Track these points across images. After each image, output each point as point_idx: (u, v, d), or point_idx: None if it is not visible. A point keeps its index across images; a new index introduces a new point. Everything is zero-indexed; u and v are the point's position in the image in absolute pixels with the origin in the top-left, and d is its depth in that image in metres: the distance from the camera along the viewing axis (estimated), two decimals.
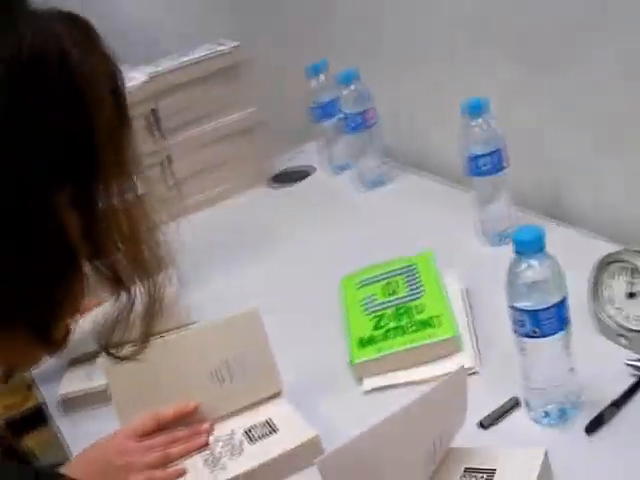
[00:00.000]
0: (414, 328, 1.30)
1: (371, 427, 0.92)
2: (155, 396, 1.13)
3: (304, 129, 2.00)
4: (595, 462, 1.06)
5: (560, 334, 1.09)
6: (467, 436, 1.11)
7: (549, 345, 1.09)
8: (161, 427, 1.12)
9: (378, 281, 1.43)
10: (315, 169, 1.99)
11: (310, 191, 1.92)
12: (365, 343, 1.30)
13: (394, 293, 1.39)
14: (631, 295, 1.21)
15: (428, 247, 1.48)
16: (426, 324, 1.30)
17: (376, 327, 1.33)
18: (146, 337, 0.65)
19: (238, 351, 1.21)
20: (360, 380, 1.28)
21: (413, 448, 0.99)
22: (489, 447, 1.08)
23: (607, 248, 1.24)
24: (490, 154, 1.47)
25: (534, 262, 1.07)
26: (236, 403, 1.22)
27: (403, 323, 1.31)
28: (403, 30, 1.81)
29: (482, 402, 1.16)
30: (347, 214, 1.76)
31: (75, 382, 1.41)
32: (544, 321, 1.07)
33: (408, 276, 1.42)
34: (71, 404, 1.39)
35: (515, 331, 1.11)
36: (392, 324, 1.32)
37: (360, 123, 1.80)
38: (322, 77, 1.86)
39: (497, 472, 1.02)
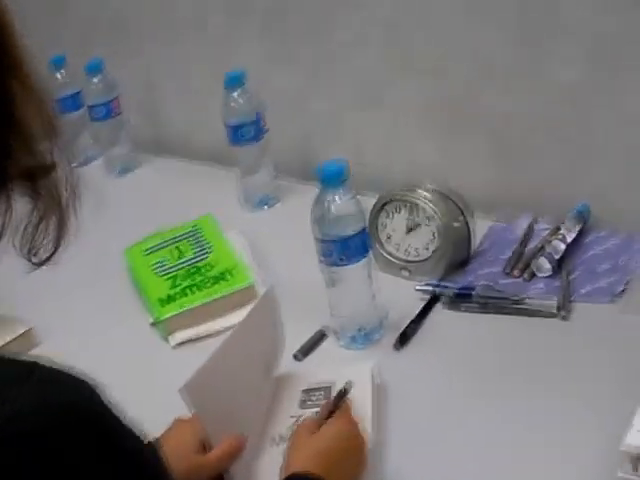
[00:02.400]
0: (209, 283, 1.30)
1: (211, 354, 0.95)
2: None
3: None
4: (408, 373, 1.13)
5: (364, 260, 1.14)
6: (287, 367, 1.14)
7: (355, 271, 1.14)
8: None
9: (164, 247, 1.41)
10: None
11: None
12: (165, 302, 1.29)
13: (181, 256, 1.38)
14: (409, 230, 1.29)
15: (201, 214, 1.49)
16: (220, 278, 1.31)
17: (172, 287, 1.31)
18: (58, 241, 0.64)
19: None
20: (167, 337, 1.27)
21: (249, 364, 1.02)
22: (319, 369, 1.11)
23: (371, 202, 1.31)
24: (250, 123, 1.51)
25: (338, 194, 1.12)
26: None
27: (197, 281, 1.32)
28: (148, 11, 1.80)
29: (292, 337, 1.18)
30: (107, 200, 1.70)
31: None
32: (350, 248, 1.12)
33: (193, 238, 1.41)
34: None
35: (323, 262, 1.15)
36: (187, 282, 1.32)
37: (107, 113, 1.76)
38: (63, 71, 1.80)
39: (333, 387, 1.05)
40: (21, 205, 0.63)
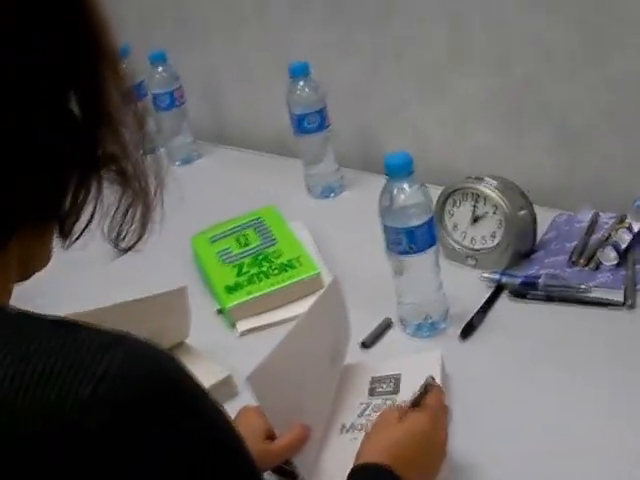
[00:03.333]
0: (277, 271, 1.30)
1: (277, 344, 0.93)
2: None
3: None
4: (473, 361, 1.12)
5: (433, 248, 1.14)
6: (354, 356, 1.13)
7: (424, 260, 1.14)
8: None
9: (229, 235, 1.41)
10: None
11: None
12: (232, 289, 1.29)
13: (247, 244, 1.38)
14: (475, 219, 1.28)
15: (266, 204, 1.49)
16: (287, 266, 1.31)
17: (239, 274, 1.31)
18: (144, 228, 0.65)
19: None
20: (233, 325, 1.27)
21: (315, 354, 1.01)
22: (389, 358, 1.11)
23: (435, 192, 1.29)
24: (315, 113, 1.51)
25: (405, 185, 1.11)
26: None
27: (265, 268, 1.31)
28: (210, 0, 1.81)
29: (358, 327, 1.18)
30: (170, 188, 1.71)
31: None
32: (418, 237, 1.12)
33: (257, 227, 1.41)
34: None
35: (391, 251, 1.14)
36: (254, 270, 1.32)
37: (170, 102, 1.77)
38: (127, 60, 1.81)
39: (402, 375, 1.05)
40: (110, 192, 0.64)
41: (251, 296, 1.27)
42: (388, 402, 1.02)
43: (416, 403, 0.91)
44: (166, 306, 1.10)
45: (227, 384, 1.11)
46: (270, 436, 0.93)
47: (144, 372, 0.52)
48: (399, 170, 1.10)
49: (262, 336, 1.23)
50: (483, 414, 1.02)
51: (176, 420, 0.52)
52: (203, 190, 1.67)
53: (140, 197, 0.64)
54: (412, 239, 1.12)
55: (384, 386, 1.05)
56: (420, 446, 0.88)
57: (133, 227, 0.64)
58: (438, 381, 1.00)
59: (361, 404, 1.03)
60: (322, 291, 1.08)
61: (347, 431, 1.00)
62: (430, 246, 1.13)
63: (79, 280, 1.35)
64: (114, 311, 1.03)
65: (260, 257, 1.34)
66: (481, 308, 1.19)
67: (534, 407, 1.02)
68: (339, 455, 0.93)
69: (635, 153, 1.33)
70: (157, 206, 0.65)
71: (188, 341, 1.18)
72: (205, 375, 1.00)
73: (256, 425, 0.94)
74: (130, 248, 0.65)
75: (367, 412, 1.02)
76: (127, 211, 0.63)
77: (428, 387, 0.92)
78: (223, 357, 1.19)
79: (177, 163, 1.80)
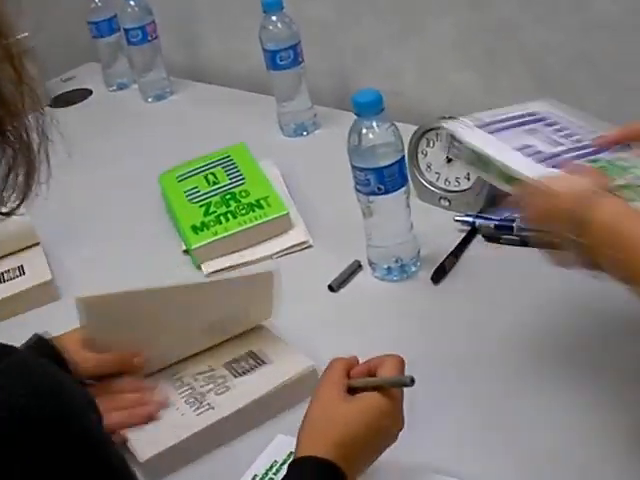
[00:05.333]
0: (244, 211, 1.25)
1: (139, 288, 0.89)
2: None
3: (81, 49, 1.85)
4: (444, 307, 1.08)
5: (403, 189, 1.09)
6: (319, 299, 1.11)
7: (393, 201, 1.09)
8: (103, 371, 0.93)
9: (197, 174, 1.35)
10: (91, 91, 1.84)
11: (95, 110, 1.77)
12: (198, 230, 1.24)
13: (216, 183, 1.32)
14: (449, 160, 1.22)
15: (236, 141, 1.42)
16: (255, 206, 1.26)
17: (206, 214, 1.26)
18: (27, 190, 0.60)
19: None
20: (199, 267, 1.22)
21: (182, 319, 0.94)
22: (278, 340, 1.00)
23: (410, 132, 1.24)
24: (288, 48, 1.44)
25: (374, 123, 1.06)
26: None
27: (232, 208, 1.26)
28: None
29: (325, 269, 1.15)
30: (142, 124, 1.65)
31: None
32: (387, 178, 1.07)
33: (226, 166, 1.35)
34: None
35: (360, 191, 1.09)
36: (222, 210, 1.26)
37: (142, 37, 1.69)
38: None
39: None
40: None
41: (217, 237, 1.22)
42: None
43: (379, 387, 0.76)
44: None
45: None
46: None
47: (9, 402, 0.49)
48: (368, 108, 1.06)
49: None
50: (449, 362, 0.98)
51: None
52: (176, 127, 1.62)
53: (23, 157, 0.58)
54: (381, 179, 1.07)
55: (244, 365, 0.96)
56: (372, 442, 0.75)
57: (16, 189, 0.59)
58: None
59: (208, 366, 0.96)
60: (248, 275, 1.01)
61: (181, 386, 0.94)
62: (400, 187, 1.08)
63: None
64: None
65: (228, 196, 1.28)
66: (453, 251, 1.15)
67: (504, 360, 0.97)
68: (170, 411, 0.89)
69: (612, 100, 1.26)
70: (41, 166, 0.60)
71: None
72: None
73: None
74: (12, 212, 0.60)
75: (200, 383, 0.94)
76: (9, 173, 0.57)
77: (401, 383, 0.76)
78: None
79: (150, 99, 1.74)
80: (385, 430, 0.76)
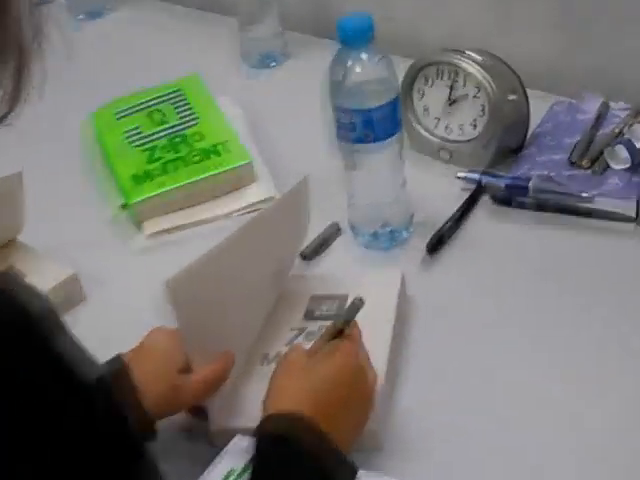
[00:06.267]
0: (197, 158, 1.24)
1: (213, 248, 0.88)
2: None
3: None
4: (440, 284, 1.07)
5: (395, 137, 1.07)
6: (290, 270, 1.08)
7: (383, 151, 1.07)
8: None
9: (140, 110, 1.33)
10: None
11: None
12: (140, 180, 1.22)
13: (163, 122, 1.31)
14: (452, 102, 1.22)
15: (187, 72, 1.41)
16: (211, 152, 1.25)
17: (150, 160, 1.24)
18: (17, 95, 0.59)
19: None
20: (139, 225, 1.20)
21: (257, 270, 0.96)
22: (333, 273, 1.07)
23: (404, 66, 1.23)
24: None
25: (362, 55, 1.04)
26: None
27: (183, 154, 1.25)
28: None
29: None
30: (69, 51, 1.60)
31: None
32: (377, 122, 1.05)
33: (176, 102, 1.34)
34: None
35: (342, 139, 1.08)
36: (169, 156, 1.25)
37: None
38: None
39: (350, 296, 0.97)
40: None
41: (163, 189, 1.20)
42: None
43: (337, 332, 0.85)
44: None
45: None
46: (185, 368, 0.89)
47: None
48: (356, 36, 1.03)
49: (176, 240, 1.18)
50: (443, 350, 0.98)
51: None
52: (112, 53, 1.61)
53: (11, 53, 0.57)
54: (369, 124, 1.05)
55: (324, 308, 1.01)
56: (345, 389, 0.82)
57: (1, 93, 0.58)
58: (392, 309, 0.98)
59: (292, 330, 0.99)
60: (286, 193, 1.03)
61: (269, 362, 0.96)
62: (392, 134, 1.07)
63: None
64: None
65: (177, 139, 1.27)
66: (454, 216, 1.14)
67: (509, 347, 0.97)
68: (256, 392, 0.88)
69: None
70: (35, 66, 0.59)
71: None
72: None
73: (169, 352, 0.89)
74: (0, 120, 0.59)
75: (298, 340, 0.97)
76: None
77: (354, 310, 0.86)
78: (125, 264, 1.15)
79: (80, 16, 1.73)
80: (353, 372, 0.83)
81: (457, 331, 1.00)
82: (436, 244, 1.11)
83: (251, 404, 0.88)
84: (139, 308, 1.02)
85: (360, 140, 1.06)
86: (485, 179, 1.17)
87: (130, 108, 1.34)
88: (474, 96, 1.19)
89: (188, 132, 1.28)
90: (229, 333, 0.92)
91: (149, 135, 1.28)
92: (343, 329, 0.86)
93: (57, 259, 1.10)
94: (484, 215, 1.15)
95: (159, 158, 1.24)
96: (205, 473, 0.84)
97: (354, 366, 0.83)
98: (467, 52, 1.20)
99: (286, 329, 0.99)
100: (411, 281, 1.05)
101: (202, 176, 1.21)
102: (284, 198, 1.02)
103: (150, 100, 1.34)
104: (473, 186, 1.17)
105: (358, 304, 0.86)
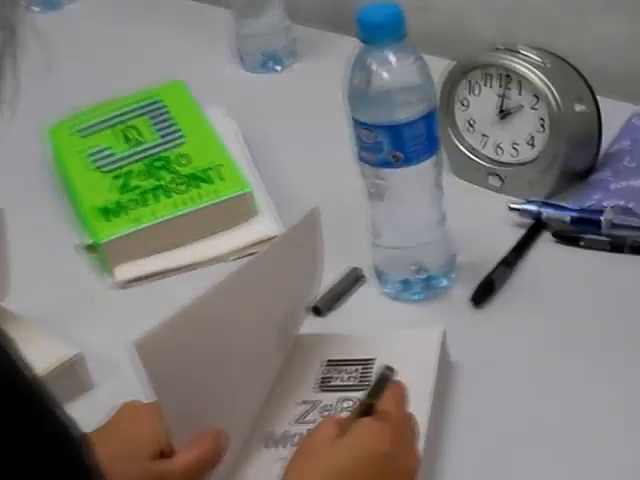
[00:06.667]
0: (183, 187, 1.26)
1: (196, 298, 0.90)
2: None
3: None
4: (489, 342, 1.08)
5: (431, 160, 1.09)
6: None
7: (417, 177, 1.09)
8: None
9: (109, 127, 1.36)
10: None
11: None
12: (111, 214, 1.25)
13: (139, 142, 1.33)
14: (504, 115, 1.23)
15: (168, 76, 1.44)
16: (200, 179, 1.27)
17: (123, 190, 1.27)
18: None
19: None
20: (109, 271, 1.22)
21: (254, 324, 0.98)
22: (356, 333, 1.08)
23: (443, 65, 1.25)
24: None
25: (390, 56, 1.06)
26: None
27: (165, 181, 1.27)
28: None
29: None
30: (22, 49, 1.63)
31: None
32: (409, 141, 1.07)
33: (154, 116, 1.37)
34: None
35: (365, 161, 1.09)
36: (148, 184, 1.27)
37: None
38: None
39: (378, 361, 1.00)
40: None
41: (140, 226, 1.23)
42: (346, 404, 0.99)
43: (366, 408, 0.86)
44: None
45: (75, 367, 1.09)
46: (165, 452, 0.90)
47: None
48: (380, 31, 1.05)
49: (155, 291, 1.21)
50: (493, 428, 0.99)
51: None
52: (75, 51, 1.62)
53: None
54: (398, 143, 1.07)
55: (344, 376, 1.02)
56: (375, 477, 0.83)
57: None
58: (433, 374, 0.99)
59: (303, 403, 1.01)
60: (292, 227, 1.06)
61: (275, 444, 0.97)
62: (428, 155, 1.09)
63: None
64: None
65: (157, 164, 1.30)
66: (507, 258, 1.16)
67: (576, 423, 0.98)
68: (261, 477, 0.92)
69: None
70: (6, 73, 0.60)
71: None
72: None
73: (145, 435, 0.91)
74: None
75: (310, 417, 0.99)
76: None
77: (383, 382, 0.87)
78: (90, 321, 1.17)
79: (36, 9, 1.76)
80: (382, 462, 0.84)
81: (510, 403, 1.01)
82: (484, 294, 1.12)
83: None
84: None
85: (387, 164, 1.08)
86: (546, 211, 1.19)
87: (97, 123, 1.36)
88: (531, 107, 1.21)
89: (171, 154, 1.30)
90: (221, 406, 0.93)
91: (122, 158, 1.31)
92: (373, 405, 0.86)
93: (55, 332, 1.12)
94: (544, 256, 1.17)
95: (135, 187, 1.26)
96: None
97: (384, 454, 0.84)
98: (522, 51, 1.22)
99: (294, 402, 1.00)
100: (453, 341, 1.06)
101: (189, 209, 1.23)
102: (289, 234, 1.05)
103: (122, 113, 1.37)
104: (531, 220, 1.19)
105: (387, 374, 0.87)
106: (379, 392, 0.87)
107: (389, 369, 0.87)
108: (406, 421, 0.88)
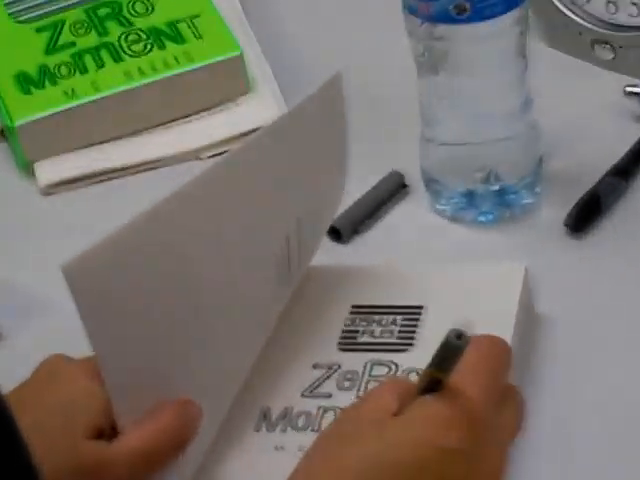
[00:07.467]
0: (141, 45, 1.31)
1: (157, 204, 0.91)
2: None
3: None
4: (591, 281, 1.15)
5: (512, 15, 1.13)
6: (317, 257, 1.14)
7: (490, 39, 1.14)
8: None
9: None
10: None
11: None
12: (30, 83, 1.29)
13: None
14: None
15: None
16: (167, 36, 1.32)
17: (50, 48, 1.32)
18: None
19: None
20: (28, 168, 1.29)
21: (244, 245, 1.01)
22: (396, 266, 1.13)
23: None
24: None
25: None
26: None
27: (113, 38, 1.32)
28: None
29: None
30: None
31: None
32: None
33: None
34: None
35: (415, 13, 1.14)
36: (88, 40, 1.32)
37: None
38: None
39: (426, 309, 1.06)
40: None
41: (74, 102, 1.27)
42: (378, 370, 1.03)
43: (433, 381, 0.84)
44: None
45: None
46: (105, 429, 0.92)
47: None
48: None
49: (95, 198, 1.28)
50: (586, 385, 1.05)
51: None
52: None
53: None
54: None
55: (376, 330, 1.07)
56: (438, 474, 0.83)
57: None
58: (511, 324, 1.02)
59: (314, 368, 1.06)
60: (304, 99, 1.06)
61: (273, 427, 1.02)
62: (507, 7, 1.13)
63: None
64: None
65: (103, 11, 1.34)
66: (619, 165, 1.22)
67: None
68: (250, 469, 0.96)
69: None
70: None
71: None
72: None
73: (76, 401, 0.93)
74: None
75: (324, 387, 1.03)
76: None
77: (447, 351, 0.83)
78: (5, 242, 1.23)
79: None
80: (441, 459, 0.84)
81: (615, 372, 1.06)
82: (585, 216, 1.18)
83: None
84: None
85: (448, 17, 1.12)
86: None
87: None
88: None
89: None
90: (189, 363, 0.95)
91: (49, 2, 1.35)
92: (441, 379, 0.84)
93: None
94: None
95: (68, 44, 1.31)
96: None
97: (444, 452, 0.83)
98: None
99: (302, 366, 1.05)
100: (540, 284, 1.11)
101: (147, 80, 1.27)
102: (298, 111, 1.05)
103: None
104: None
105: (458, 343, 0.81)
106: (448, 365, 0.83)
107: (458, 336, 0.80)
108: (490, 409, 0.86)
